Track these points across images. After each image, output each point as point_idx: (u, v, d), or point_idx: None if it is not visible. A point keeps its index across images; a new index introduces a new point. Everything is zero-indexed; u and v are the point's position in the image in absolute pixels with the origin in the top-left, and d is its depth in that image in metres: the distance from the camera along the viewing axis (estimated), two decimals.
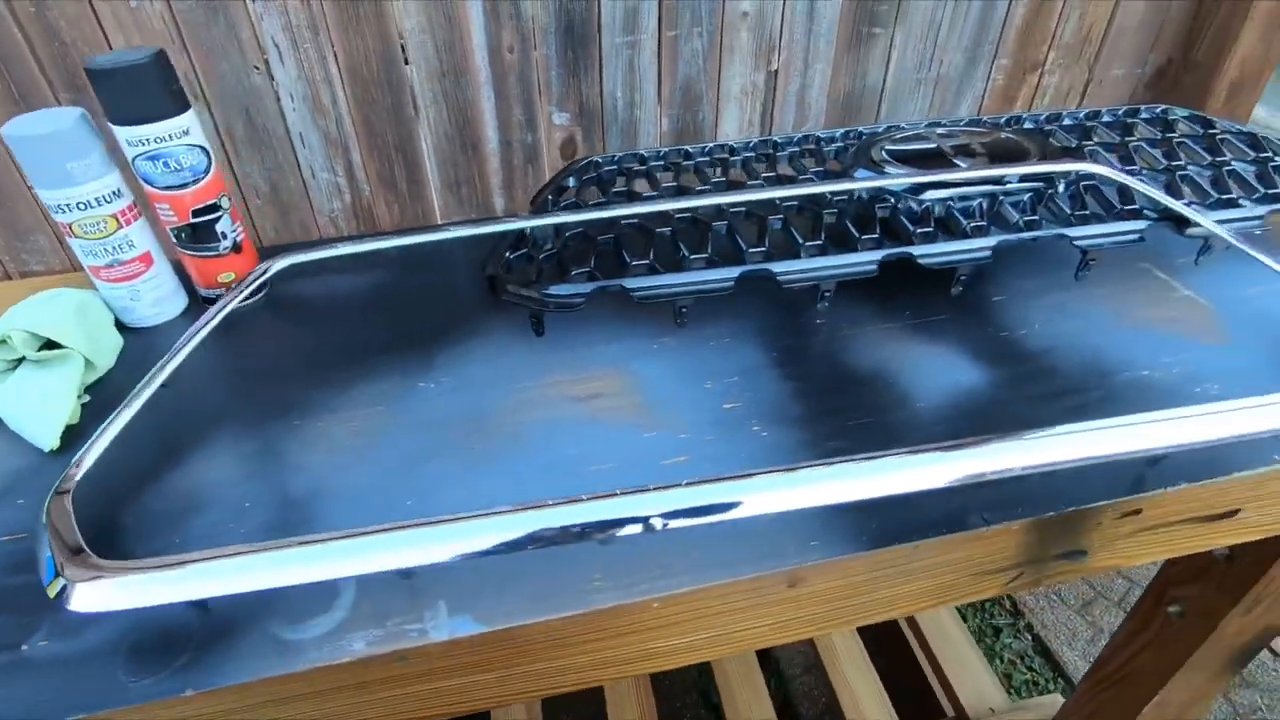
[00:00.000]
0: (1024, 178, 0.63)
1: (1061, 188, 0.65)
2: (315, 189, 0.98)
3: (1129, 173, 0.69)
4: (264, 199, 0.97)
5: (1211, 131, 0.77)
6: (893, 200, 0.64)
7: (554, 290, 0.55)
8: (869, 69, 1.01)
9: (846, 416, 0.52)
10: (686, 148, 0.80)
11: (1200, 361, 0.55)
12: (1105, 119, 0.83)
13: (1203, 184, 0.67)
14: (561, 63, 0.94)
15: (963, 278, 0.60)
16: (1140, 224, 0.61)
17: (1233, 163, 0.70)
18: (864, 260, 0.57)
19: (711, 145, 0.80)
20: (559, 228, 0.62)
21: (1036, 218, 0.63)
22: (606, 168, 0.75)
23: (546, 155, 1.00)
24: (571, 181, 0.73)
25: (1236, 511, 0.49)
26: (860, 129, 0.84)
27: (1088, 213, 0.64)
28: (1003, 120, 0.82)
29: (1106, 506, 0.45)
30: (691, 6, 0.92)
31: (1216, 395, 0.52)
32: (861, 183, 0.61)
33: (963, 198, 0.64)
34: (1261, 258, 0.57)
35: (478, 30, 0.90)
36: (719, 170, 0.74)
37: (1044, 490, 0.44)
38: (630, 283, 0.55)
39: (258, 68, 0.88)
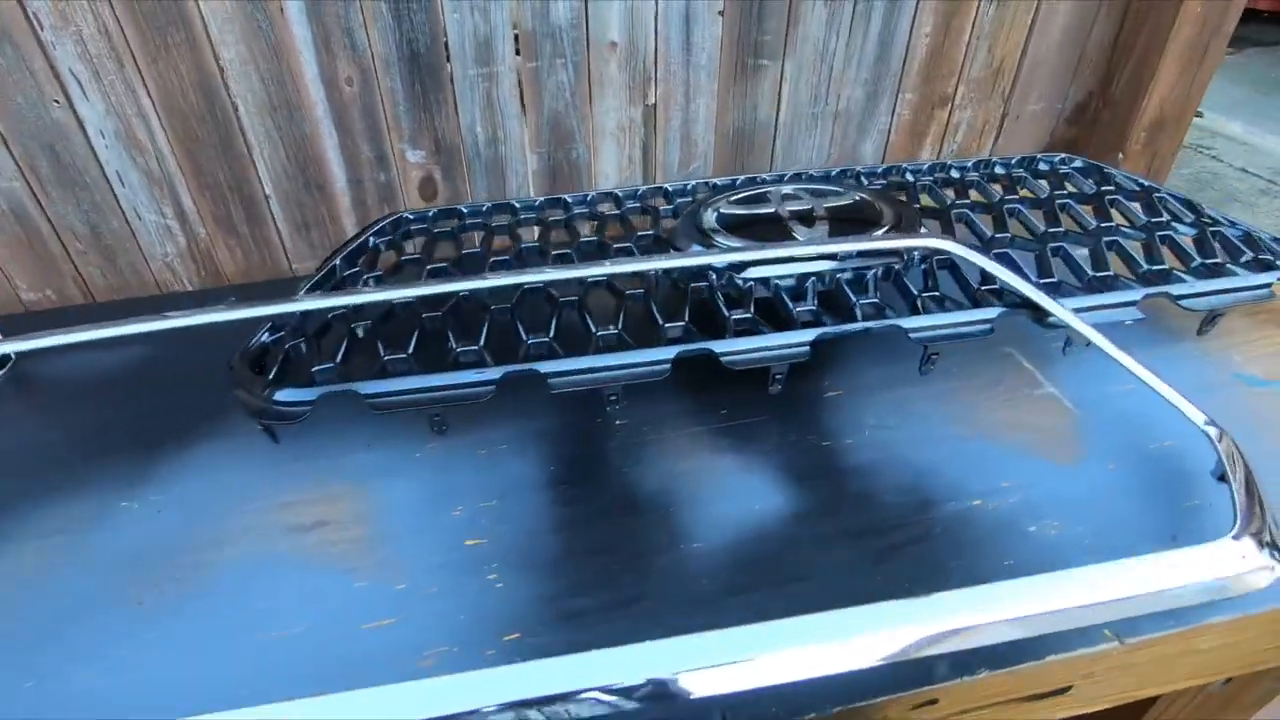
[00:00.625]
0: (864, 254, 0.54)
1: (918, 261, 0.57)
2: (142, 232, 0.88)
3: (996, 244, 0.60)
4: (85, 243, 0.88)
5: (1106, 190, 0.68)
6: (714, 278, 0.55)
7: (279, 395, 0.46)
8: (759, 103, 0.93)
9: (607, 560, 0.43)
10: (513, 202, 0.71)
11: (1045, 487, 0.47)
12: (997, 169, 0.74)
13: (1078, 259, 0.58)
14: (409, 96, 0.84)
15: (778, 376, 0.51)
16: (991, 312, 0.52)
17: (1119, 233, 0.62)
18: (654, 360, 0.48)
19: (542, 200, 0.71)
20: (316, 312, 0.52)
21: (876, 301, 0.54)
22: (415, 225, 0.65)
23: (404, 195, 0.91)
24: (372, 242, 0.64)
25: (1067, 688, 0.40)
26: (713, 180, 0.76)
27: (938, 295, 0.55)
28: (879, 170, 0.74)
29: (889, 701, 0.36)
30: (552, 36, 0.83)
31: (1052, 539, 0.43)
32: (659, 261, 0.52)
33: (795, 276, 0.55)
34: (1120, 357, 0.48)
35: (308, 61, 0.80)
36: (541, 232, 0.65)
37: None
38: (365, 387, 0.46)
39: (57, 101, 0.78)
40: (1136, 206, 0.66)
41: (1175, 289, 0.55)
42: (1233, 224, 0.63)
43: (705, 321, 0.54)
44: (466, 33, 0.82)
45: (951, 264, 0.57)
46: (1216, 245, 0.59)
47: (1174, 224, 0.63)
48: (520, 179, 0.93)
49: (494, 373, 0.47)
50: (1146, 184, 0.71)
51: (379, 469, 0.49)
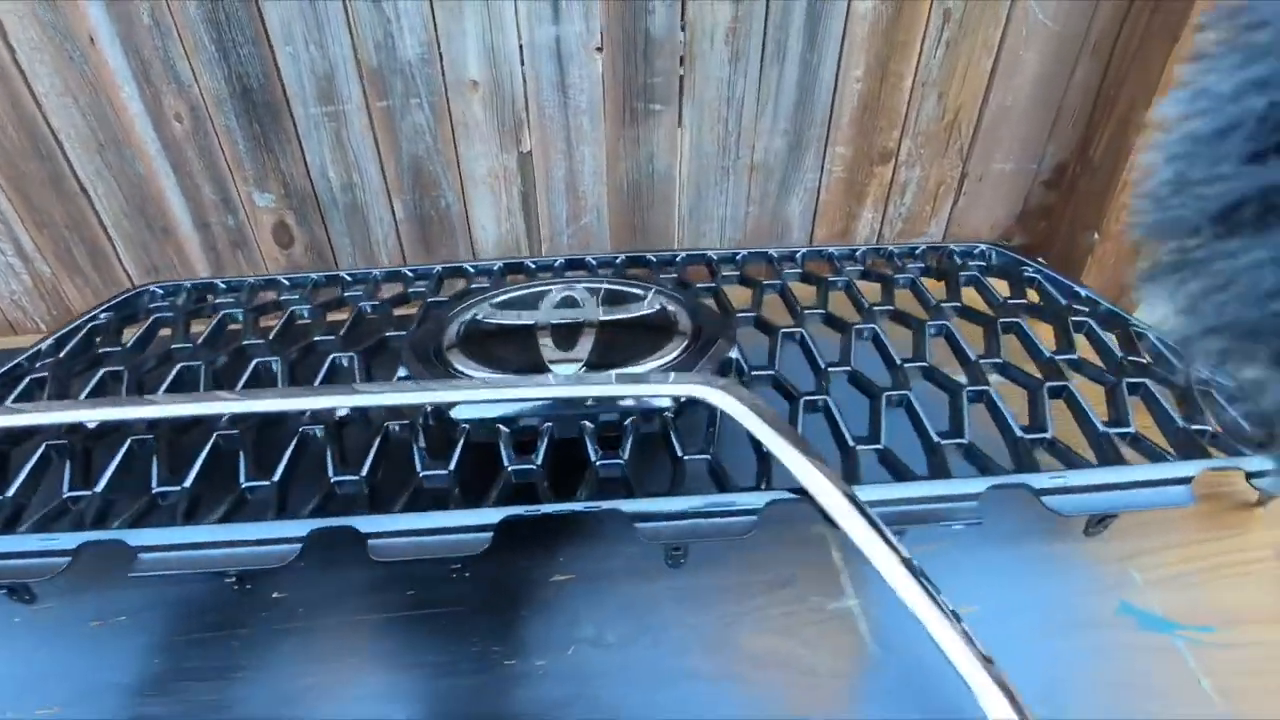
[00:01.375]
0: (600, 400, 0.41)
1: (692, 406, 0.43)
2: None
3: (818, 386, 0.45)
4: None
5: (1010, 305, 0.52)
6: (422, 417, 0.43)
7: None
8: (655, 153, 0.79)
9: None
10: (281, 278, 0.61)
11: None
12: (890, 260, 0.58)
13: (925, 421, 0.43)
14: (248, 135, 0.75)
15: (456, 566, 0.38)
16: (757, 499, 0.38)
17: (1008, 372, 0.46)
18: (276, 536, 0.37)
19: (319, 276, 0.60)
20: None
21: (621, 463, 0.41)
22: (164, 302, 0.56)
23: (258, 240, 0.82)
24: (105, 321, 0.55)
25: None
26: (528, 261, 0.63)
27: (708, 458, 0.41)
28: (736, 256, 0.59)
29: None
30: (401, 73, 0.73)
31: None
32: (294, 399, 0.40)
33: (523, 418, 0.42)
34: (906, 591, 0.33)
35: (130, 96, 0.72)
36: (284, 321, 0.54)
37: None
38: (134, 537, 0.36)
39: None
40: (1046, 334, 0.49)
41: (1038, 480, 0.39)
42: (1171, 368, 0.46)
43: (397, 475, 0.41)
44: (303, 68, 0.72)
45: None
46: (1128, 407, 0.43)
47: (1081, 369, 0.46)
48: (385, 227, 0.83)
49: (69, 540, 0.36)
50: (1084, 294, 0.54)
51: None
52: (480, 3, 0.69)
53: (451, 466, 0.41)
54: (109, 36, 0.69)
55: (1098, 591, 0.40)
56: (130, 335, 0.52)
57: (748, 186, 0.82)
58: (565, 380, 0.41)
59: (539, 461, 0.41)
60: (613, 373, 0.43)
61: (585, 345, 0.46)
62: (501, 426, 0.43)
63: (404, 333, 0.51)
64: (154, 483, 0.40)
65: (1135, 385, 0.45)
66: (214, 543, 0.37)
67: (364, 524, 0.38)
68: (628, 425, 0.43)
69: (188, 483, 0.41)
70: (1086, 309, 0.53)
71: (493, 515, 0.38)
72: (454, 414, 0.43)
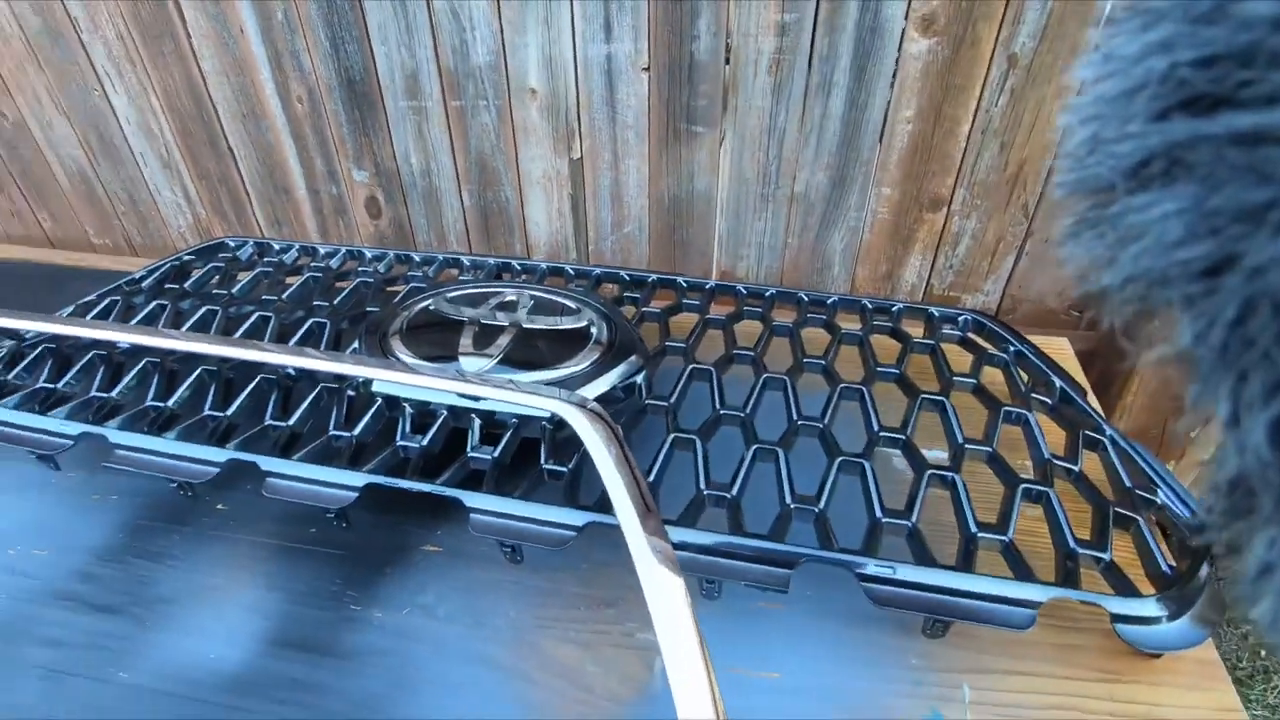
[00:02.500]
0: (473, 398, 0.44)
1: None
2: (163, 205, 1.04)
3: (708, 429, 0.46)
4: (126, 207, 1.05)
5: (956, 379, 0.49)
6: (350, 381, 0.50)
7: None
8: (696, 173, 0.81)
9: None
10: (319, 247, 0.70)
11: None
12: (867, 311, 0.56)
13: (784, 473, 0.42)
14: (351, 119, 0.88)
15: (329, 514, 0.44)
16: (578, 517, 0.40)
17: (866, 460, 0.44)
18: (200, 458, 0.45)
19: (347, 249, 0.69)
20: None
21: (489, 457, 0.45)
22: (231, 254, 0.68)
23: (353, 210, 0.96)
24: (185, 261, 0.68)
25: None
26: (515, 261, 0.67)
27: (566, 471, 0.44)
28: (707, 285, 0.60)
29: None
30: (473, 76, 0.81)
31: None
32: (250, 351, 0.47)
33: (422, 404, 0.48)
34: (671, 632, 0.34)
35: (266, 79, 0.87)
36: (303, 284, 0.64)
37: None
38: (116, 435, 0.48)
39: (96, 90, 0.95)
40: (978, 417, 0.46)
41: (864, 565, 0.37)
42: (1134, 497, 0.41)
43: (318, 427, 0.49)
44: (395, 65, 0.82)
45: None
46: (1014, 511, 0.39)
47: (996, 461, 0.43)
48: (455, 213, 0.92)
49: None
50: (1058, 384, 0.49)
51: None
52: (542, 18, 0.75)
53: (355, 431, 0.48)
54: (254, 29, 0.84)
55: (914, 694, 0.38)
56: (195, 277, 0.65)
57: (787, 217, 0.81)
58: (438, 373, 0.45)
59: (423, 441, 0.47)
60: (483, 375, 0.47)
61: (499, 346, 0.50)
62: (406, 406, 0.48)
63: (376, 308, 0.58)
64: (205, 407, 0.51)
65: (1038, 493, 0.41)
66: (168, 454, 0.46)
67: (265, 463, 0.45)
68: (510, 426, 0.47)
69: (171, 401, 0.50)
70: (1047, 399, 0.48)
71: (358, 479, 0.44)
72: (374, 388, 0.49)
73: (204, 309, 0.58)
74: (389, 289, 0.63)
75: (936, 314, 0.58)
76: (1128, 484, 0.42)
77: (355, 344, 0.54)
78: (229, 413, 0.50)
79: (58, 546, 0.49)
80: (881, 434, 0.45)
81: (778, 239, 0.83)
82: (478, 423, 0.47)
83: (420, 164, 0.89)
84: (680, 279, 0.63)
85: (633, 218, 0.86)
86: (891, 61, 0.69)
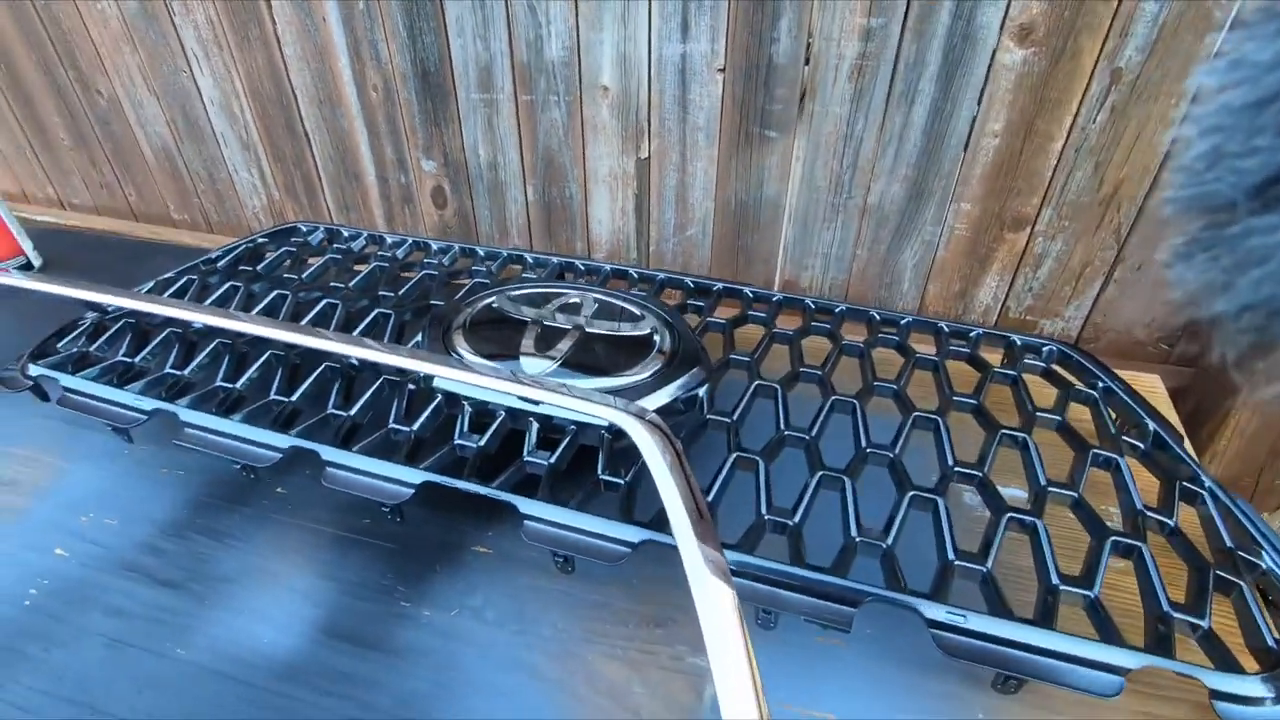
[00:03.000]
0: (535, 400, 0.44)
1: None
2: (240, 184, 1.07)
3: (771, 450, 0.44)
4: (205, 185, 1.09)
5: (1040, 414, 0.46)
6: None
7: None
8: (765, 179, 0.79)
9: None
10: (386, 236, 0.71)
11: None
12: (944, 337, 0.54)
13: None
14: (423, 109, 0.89)
15: (385, 509, 0.44)
16: (634, 534, 0.39)
17: (939, 497, 0.41)
18: (264, 442, 0.46)
19: (413, 240, 0.69)
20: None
21: (546, 463, 0.44)
22: (303, 239, 0.69)
23: (420, 199, 0.97)
24: (259, 244, 0.70)
25: None
26: (578, 261, 0.66)
27: (625, 484, 0.43)
28: (775, 298, 0.58)
29: None
30: (545, 71, 0.80)
31: None
32: (313, 339, 0.48)
33: (482, 403, 0.47)
34: (723, 658, 0.33)
35: (344, 66, 0.89)
36: (369, 274, 0.64)
37: None
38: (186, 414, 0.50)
39: (184, 71, 0.98)
40: (1063, 456, 0.43)
41: (931, 609, 0.35)
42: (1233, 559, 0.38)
43: (378, 418, 0.49)
44: (469, 57, 0.83)
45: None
46: (1102, 566, 0.37)
47: (1080, 507, 0.40)
48: (518, 206, 0.92)
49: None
50: (1151, 427, 0.46)
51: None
52: (618, 16, 0.74)
53: (415, 426, 0.48)
54: (336, 17, 0.85)
55: None
56: (268, 260, 0.66)
57: (858, 228, 0.79)
58: (499, 374, 0.45)
59: (481, 441, 0.46)
60: (543, 379, 0.46)
61: (560, 350, 0.50)
62: (465, 404, 0.48)
63: (441, 302, 0.58)
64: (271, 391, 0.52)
65: (1129, 547, 0.38)
66: (234, 435, 0.47)
67: (326, 452, 0.46)
68: (568, 432, 0.46)
69: (239, 383, 0.51)
70: (1139, 442, 0.45)
71: (415, 476, 0.44)
72: (435, 384, 0.49)
73: (274, 293, 0.59)
74: (453, 282, 0.64)
75: (1018, 342, 0.55)
76: (1229, 543, 0.39)
77: (419, 337, 0.54)
78: (293, 398, 0.51)
79: (126, 517, 0.51)
80: (956, 469, 0.43)
81: (846, 250, 0.81)
82: (535, 426, 0.47)
83: (488, 156, 0.89)
84: (747, 289, 0.61)
85: (697, 221, 0.85)
86: (982, 71, 0.66)
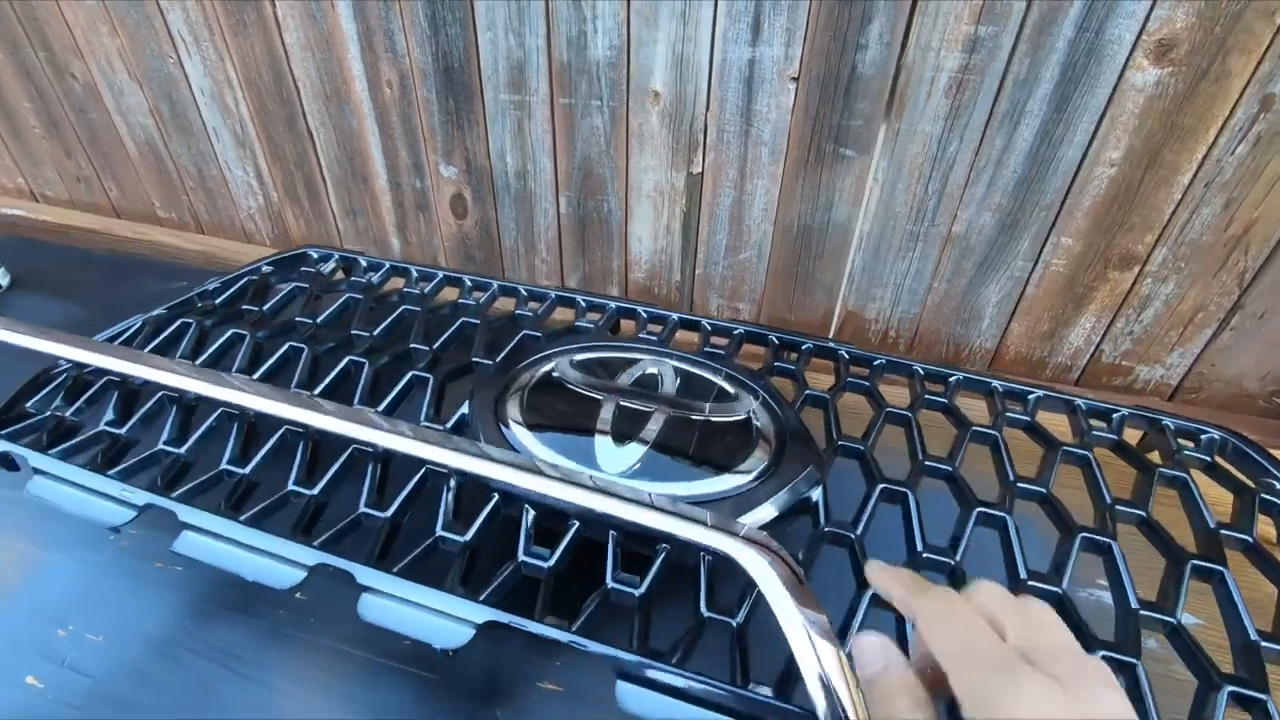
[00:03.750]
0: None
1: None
2: (233, 183, 0.96)
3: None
4: (194, 181, 0.99)
5: (1224, 534, 0.38)
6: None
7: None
8: (836, 201, 0.70)
9: None
10: (411, 268, 0.62)
11: None
12: (1080, 413, 0.46)
13: None
14: (443, 110, 0.79)
15: (445, 650, 0.36)
16: (766, 706, 0.31)
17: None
18: (285, 555, 0.37)
19: (444, 273, 0.60)
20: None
21: (635, 594, 0.36)
22: (314, 268, 0.60)
23: (437, 207, 0.87)
24: (263, 275, 0.60)
25: None
26: (640, 308, 0.57)
27: (733, 622, 0.35)
28: (880, 363, 0.50)
29: None
30: (588, 73, 0.71)
31: None
32: (341, 422, 0.39)
33: (553, 508, 0.39)
34: None
35: (354, 57, 0.78)
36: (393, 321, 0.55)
37: None
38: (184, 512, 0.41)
39: (170, 57, 0.87)
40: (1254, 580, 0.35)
41: None
42: None
43: (422, 521, 0.41)
44: (500, 54, 0.72)
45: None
46: None
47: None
48: (548, 219, 0.83)
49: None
50: None
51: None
52: (678, 13, 0.64)
53: (469, 535, 0.39)
54: (345, 3, 0.75)
55: None
56: (275, 298, 0.57)
57: (938, 259, 0.70)
58: (579, 481, 0.37)
59: (552, 560, 0.38)
60: (643, 491, 0.38)
61: (644, 439, 0.41)
62: (528, 506, 0.40)
63: (488, 361, 0.50)
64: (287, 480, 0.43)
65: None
66: (245, 544, 0.38)
67: (361, 574, 0.37)
68: (658, 549, 0.38)
69: (249, 467, 0.43)
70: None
71: (478, 613, 0.36)
72: (496, 479, 0.41)
73: (286, 345, 0.50)
74: (495, 331, 0.55)
75: (1171, 426, 0.47)
76: None
77: (463, 409, 0.45)
78: (316, 490, 0.42)
79: (113, 631, 0.42)
80: (1142, 611, 0.35)
81: (922, 282, 0.72)
82: (614, 536, 0.39)
83: (516, 164, 0.80)
84: (843, 350, 0.53)
85: (752, 244, 0.76)
86: (1106, 92, 0.57)
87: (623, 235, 0.81)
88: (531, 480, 0.37)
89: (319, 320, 0.54)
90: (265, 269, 0.62)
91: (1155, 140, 0.58)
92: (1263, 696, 0.33)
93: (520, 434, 0.43)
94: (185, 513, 0.40)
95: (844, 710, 0.28)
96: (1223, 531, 0.40)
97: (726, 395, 0.46)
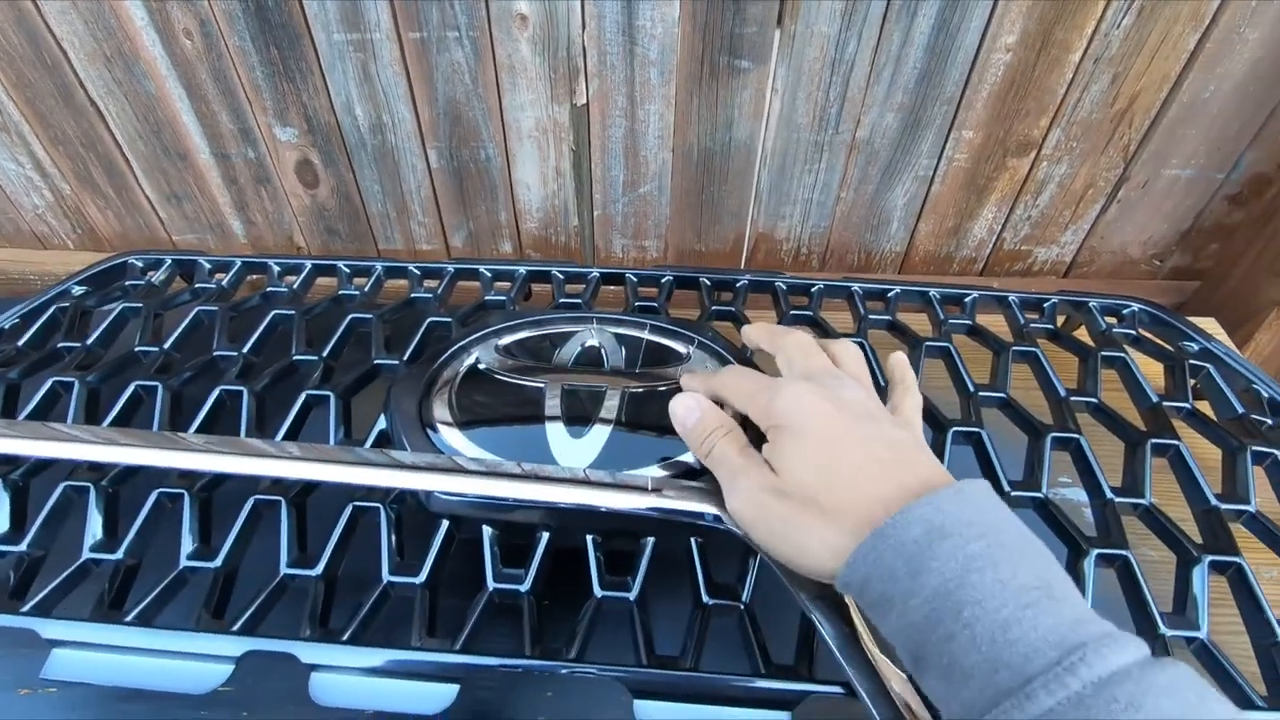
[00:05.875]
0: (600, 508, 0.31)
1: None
2: (5, 181, 0.78)
3: None
4: None
5: (1165, 405, 0.39)
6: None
7: None
8: (736, 118, 0.65)
9: None
10: (272, 263, 0.52)
11: None
12: (1011, 305, 0.45)
13: None
14: (265, 60, 0.65)
15: None
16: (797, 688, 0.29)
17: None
18: (205, 652, 0.30)
19: (313, 262, 0.50)
20: None
21: (628, 598, 0.32)
22: (141, 279, 0.48)
23: (281, 177, 0.74)
24: (75, 299, 0.48)
25: None
26: (555, 269, 0.51)
27: (740, 604, 0.32)
28: (815, 288, 0.47)
29: None
30: (440, 0, 0.60)
31: None
32: (237, 459, 0.32)
33: (525, 513, 0.34)
34: None
35: (134, 6, 0.63)
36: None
37: None
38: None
39: None
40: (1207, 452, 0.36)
41: None
42: None
43: (362, 569, 0.34)
44: None
45: None
46: None
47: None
48: (419, 176, 0.73)
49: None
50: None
51: None
52: None
53: (423, 575, 0.33)
54: None
55: None
56: (96, 322, 0.45)
57: (844, 168, 0.68)
58: (548, 478, 0.32)
59: (528, 582, 0.33)
60: (618, 474, 0.33)
61: (604, 426, 0.36)
62: (486, 525, 0.34)
63: (394, 360, 0.42)
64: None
65: None
66: (139, 648, 0.31)
67: (306, 651, 0.31)
68: (641, 543, 0.34)
69: (121, 550, 0.34)
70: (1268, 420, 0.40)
71: (458, 665, 0.30)
72: (433, 506, 0.35)
73: (132, 387, 0.40)
74: (395, 324, 0.46)
75: (1095, 306, 0.47)
76: None
77: (383, 424, 0.38)
78: (218, 560, 0.34)
79: None
80: (1116, 499, 0.35)
81: (829, 195, 0.70)
82: (591, 539, 0.34)
83: (369, 116, 0.69)
84: (779, 281, 0.50)
85: (652, 175, 0.70)
86: None
87: (507, 184, 0.73)
88: (503, 488, 0.32)
89: (167, 346, 0.43)
90: (76, 290, 0.49)
91: (1047, 20, 0.57)
92: (1237, 560, 0.35)
93: (454, 440, 0.37)
94: (48, 627, 0.31)
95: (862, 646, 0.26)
96: (1164, 404, 0.41)
97: (675, 355, 0.41)
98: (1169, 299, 0.71)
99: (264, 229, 0.80)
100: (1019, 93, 0.61)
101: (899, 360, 0.35)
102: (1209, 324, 0.55)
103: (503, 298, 0.48)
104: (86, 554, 0.35)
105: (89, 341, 0.43)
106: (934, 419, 0.39)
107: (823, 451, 0.28)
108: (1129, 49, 0.58)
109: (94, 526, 0.35)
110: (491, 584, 0.33)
